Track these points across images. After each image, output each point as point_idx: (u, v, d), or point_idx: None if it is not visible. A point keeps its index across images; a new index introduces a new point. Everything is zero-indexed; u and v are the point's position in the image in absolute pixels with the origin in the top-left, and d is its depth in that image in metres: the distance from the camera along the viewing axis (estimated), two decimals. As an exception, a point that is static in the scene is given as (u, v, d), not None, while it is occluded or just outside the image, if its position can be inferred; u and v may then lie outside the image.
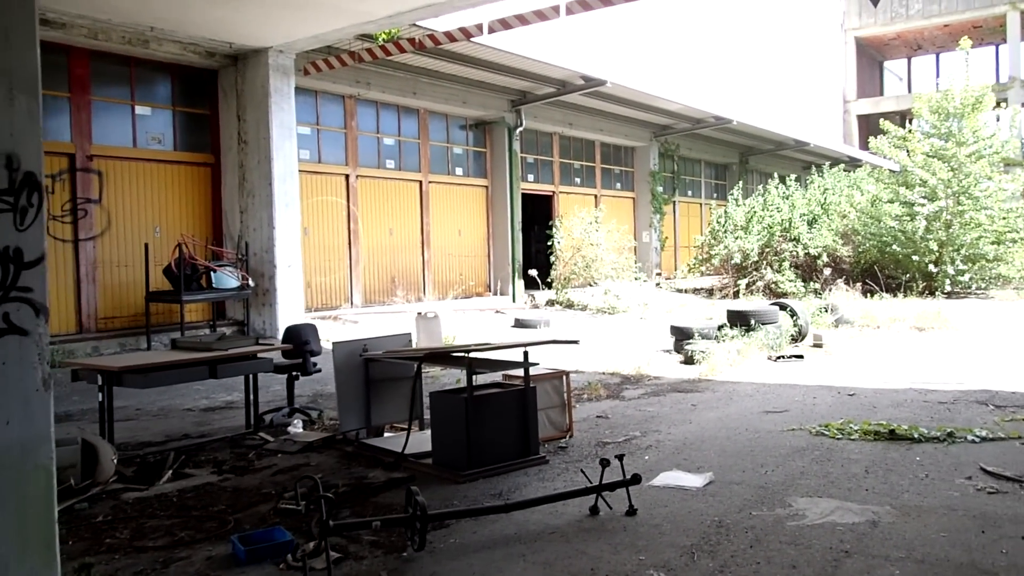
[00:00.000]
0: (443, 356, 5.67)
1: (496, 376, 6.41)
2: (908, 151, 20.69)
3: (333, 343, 6.29)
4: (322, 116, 14.84)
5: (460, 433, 5.32)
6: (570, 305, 17.69)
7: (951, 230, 19.71)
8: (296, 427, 6.83)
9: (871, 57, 44.24)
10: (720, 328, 11.07)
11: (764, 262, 20.51)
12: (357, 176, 15.31)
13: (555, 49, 16.96)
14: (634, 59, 22.19)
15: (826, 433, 6.26)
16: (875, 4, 39.39)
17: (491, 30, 11.12)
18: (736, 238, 20.81)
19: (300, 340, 7.24)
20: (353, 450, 6.12)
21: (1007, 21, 36.42)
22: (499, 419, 5.46)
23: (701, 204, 27.54)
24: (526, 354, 5.63)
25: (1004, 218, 20.11)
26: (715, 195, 28.12)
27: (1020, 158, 25.61)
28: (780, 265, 20.15)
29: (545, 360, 10.36)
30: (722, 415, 7.13)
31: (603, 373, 9.51)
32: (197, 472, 5.66)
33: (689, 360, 10.06)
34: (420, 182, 16.73)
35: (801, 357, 10.28)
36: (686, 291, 21.42)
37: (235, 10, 10.71)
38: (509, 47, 15.06)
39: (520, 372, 6.56)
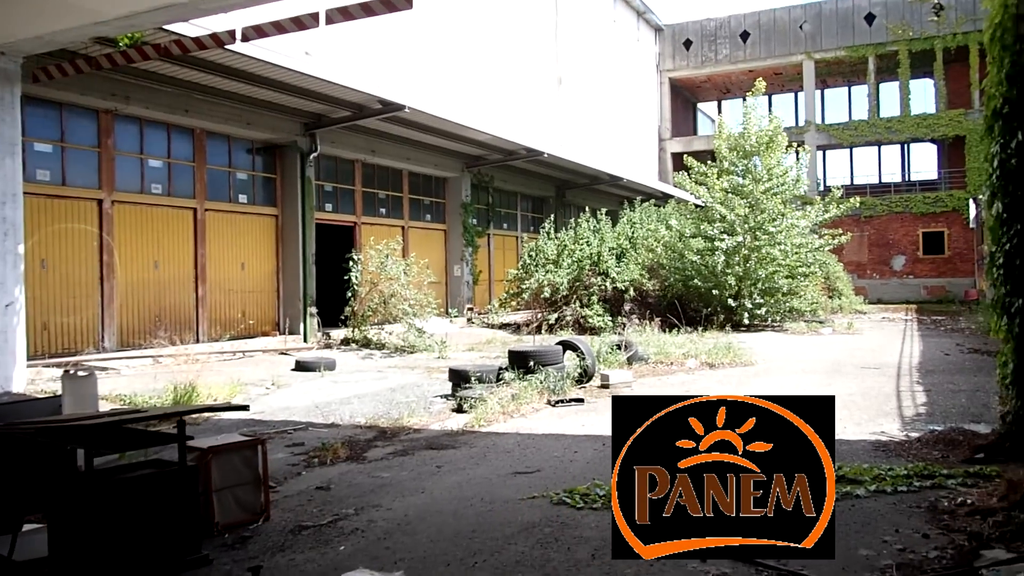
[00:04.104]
0: (57, 431, 4.34)
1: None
2: (708, 187, 21.09)
3: (-62, 413, 4.80)
4: (68, 132, 12.94)
5: (78, 533, 4.03)
6: (367, 343, 16.47)
7: (749, 264, 20.16)
8: (-90, 521, 5.22)
9: (685, 98, 46.28)
10: (501, 371, 10.23)
11: (574, 296, 20.16)
12: (113, 201, 13.46)
13: (351, 71, 15.88)
14: (441, 87, 21.50)
15: (568, 501, 5.43)
16: (687, 48, 41.17)
17: (245, 37, 9.86)
18: (547, 272, 20.35)
19: (-68, 405, 5.64)
20: (-39, 555, 4.65)
21: (803, 69, 39.03)
22: (139, 511, 4.21)
23: (517, 237, 27.13)
24: (181, 424, 4.42)
25: (796, 253, 20.81)
26: (531, 228, 27.80)
27: (812, 196, 27.06)
28: (589, 299, 19.82)
29: (297, 411, 9.16)
30: (464, 479, 6.17)
31: (358, 426, 8.38)
32: None
33: (460, 408, 9.12)
34: (195, 209, 15.04)
35: (581, 401, 9.59)
36: (496, 326, 20.70)
37: (-78, -1, 8.89)
38: (297, 66, 13.80)
39: (215, 441, 5.37)
